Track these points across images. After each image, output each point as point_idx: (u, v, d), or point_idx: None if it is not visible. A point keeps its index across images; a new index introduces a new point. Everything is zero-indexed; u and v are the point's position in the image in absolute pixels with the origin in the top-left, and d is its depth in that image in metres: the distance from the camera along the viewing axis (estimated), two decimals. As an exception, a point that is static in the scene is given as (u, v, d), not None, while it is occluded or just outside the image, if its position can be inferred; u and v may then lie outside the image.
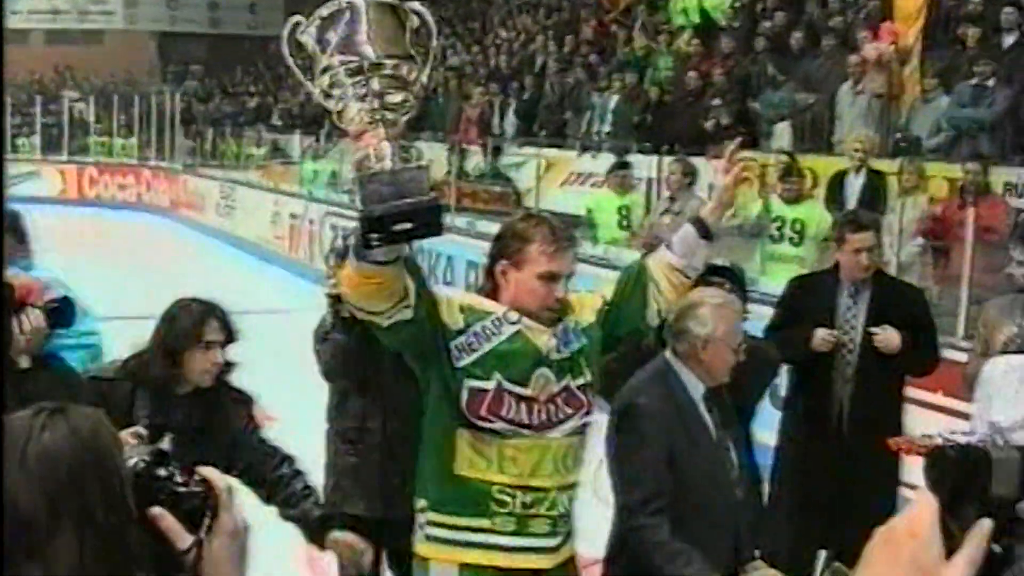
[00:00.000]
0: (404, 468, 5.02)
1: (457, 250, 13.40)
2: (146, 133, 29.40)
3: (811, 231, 9.98)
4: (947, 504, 1.53)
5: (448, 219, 13.96)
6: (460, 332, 3.76)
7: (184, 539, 1.91)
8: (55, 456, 1.87)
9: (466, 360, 3.75)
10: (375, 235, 3.23)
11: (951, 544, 1.50)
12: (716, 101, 14.65)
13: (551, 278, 3.78)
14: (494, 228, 13.37)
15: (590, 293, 4.11)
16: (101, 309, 5.67)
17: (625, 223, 12.10)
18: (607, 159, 15.10)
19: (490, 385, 3.76)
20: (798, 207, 10.13)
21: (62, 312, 4.18)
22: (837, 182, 10.98)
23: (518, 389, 3.78)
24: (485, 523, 3.80)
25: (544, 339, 3.82)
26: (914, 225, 10.19)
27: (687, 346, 4.21)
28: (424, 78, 3.38)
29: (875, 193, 10.74)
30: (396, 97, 3.29)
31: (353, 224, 11.59)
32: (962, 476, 1.56)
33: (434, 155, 18.04)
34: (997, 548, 1.51)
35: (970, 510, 1.53)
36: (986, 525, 1.51)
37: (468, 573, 3.82)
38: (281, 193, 20.58)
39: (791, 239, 10.06)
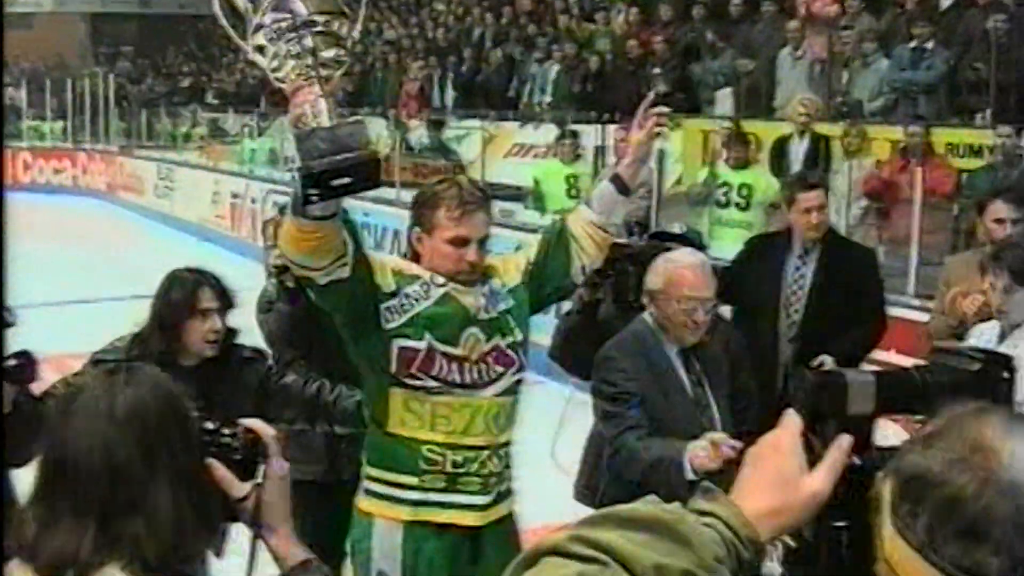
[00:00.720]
0: (345, 435, 5.15)
1: (404, 225, 13.34)
2: (80, 116, 29.06)
3: (758, 196, 10.05)
4: (809, 423, 1.67)
5: (394, 193, 13.93)
6: (391, 295, 3.80)
7: (239, 487, 1.98)
8: (145, 408, 1.92)
9: (396, 322, 3.79)
10: (314, 191, 3.22)
11: (813, 459, 1.65)
12: (656, 70, 14.64)
13: (460, 242, 3.82)
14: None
15: (513, 254, 4.22)
16: (41, 294, 5.60)
17: (574, 192, 12.14)
18: (549, 130, 15.13)
19: (421, 345, 3.80)
20: (744, 172, 10.19)
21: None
22: (781, 147, 11.03)
23: (448, 349, 3.82)
24: (414, 480, 3.85)
25: (471, 300, 3.87)
26: (859, 187, 10.26)
27: (663, 307, 4.33)
28: (356, 33, 3.37)
29: (819, 157, 10.80)
30: (329, 52, 3.26)
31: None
32: (821, 397, 1.68)
33: (376, 130, 18.00)
34: (857, 461, 1.65)
35: (830, 428, 1.66)
36: (845, 440, 1.65)
37: (412, 533, 3.87)
38: (221, 172, 20.42)
39: (738, 204, 10.13)
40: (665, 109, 4.07)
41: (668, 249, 4.72)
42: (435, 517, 3.87)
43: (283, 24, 3.22)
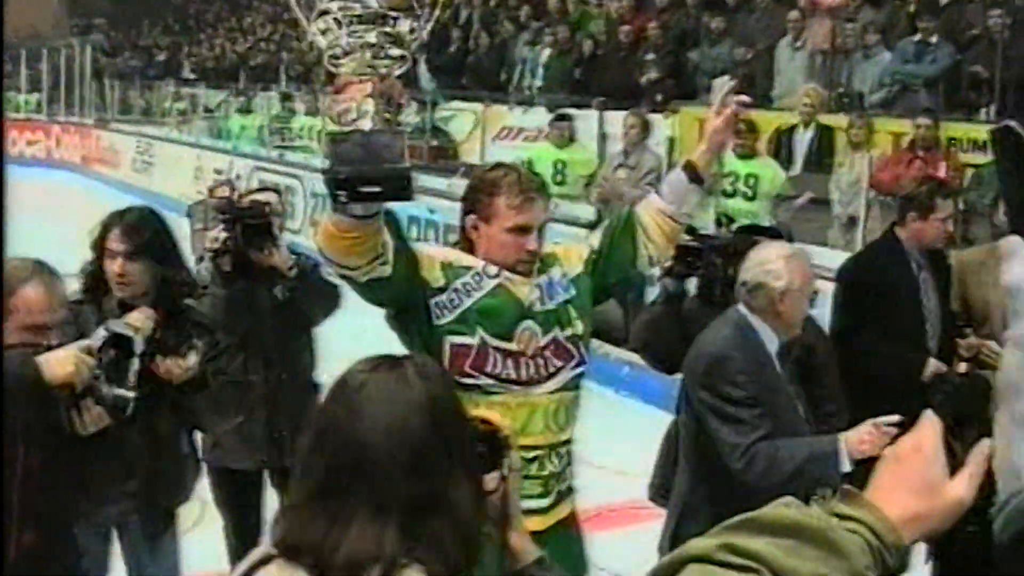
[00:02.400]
0: (287, 422, 5.24)
1: (396, 205, 13.25)
2: (55, 89, 28.76)
3: (764, 186, 10.03)
4: (950, 426, 1.62)
5: (388, 175, 13.82)
6: (440, 290, 3.66)
7: (489, 480, 1.98)
8: (443, 400, 1.89)
9: (447, 318, 3.66)
10: (341, 193, 3.12)
11: (954, 463, 1.59)
12: (650, 55, 14.60)
13: (520, 231, 3.69)
14: (434, 183, 13.38)
15: (576, 243, 4.14)
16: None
17: (559, 177, 12.11)
18: (539, 113, 15.08)
19: (473, 340, 3.67)
20: (751, 162, 10.17)
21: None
22: (785, 136, 11.03)
23: (502, 344, 3.68)
24: None
25: (526, 291, 3.73)
26: (864, 179, 10.28)
27: (764, 300, 4.21)
28: (424, 35, 3.18)
29: (824, 148, 10.82)
30: (393, 51, 3.11)
31: (279, 179, 11.33)
32: (964, 400, 1.69)
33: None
34: None
35: (972, 432, 1.63)
36: (986, 445, 1.60)
37: None
38: (204, 148, 20.22)
39: (744, 194, 10.10)
40: (745, 99, 4.02)
41: (756, 242, 4.65)
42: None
43: (351, 14, 3.08)
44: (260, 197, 5.63)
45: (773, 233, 5.16)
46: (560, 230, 10.80)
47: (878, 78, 12.04)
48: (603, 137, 13.31)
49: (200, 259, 5.49)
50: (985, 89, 11.36)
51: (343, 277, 3.56)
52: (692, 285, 5.14)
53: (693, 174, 3.90)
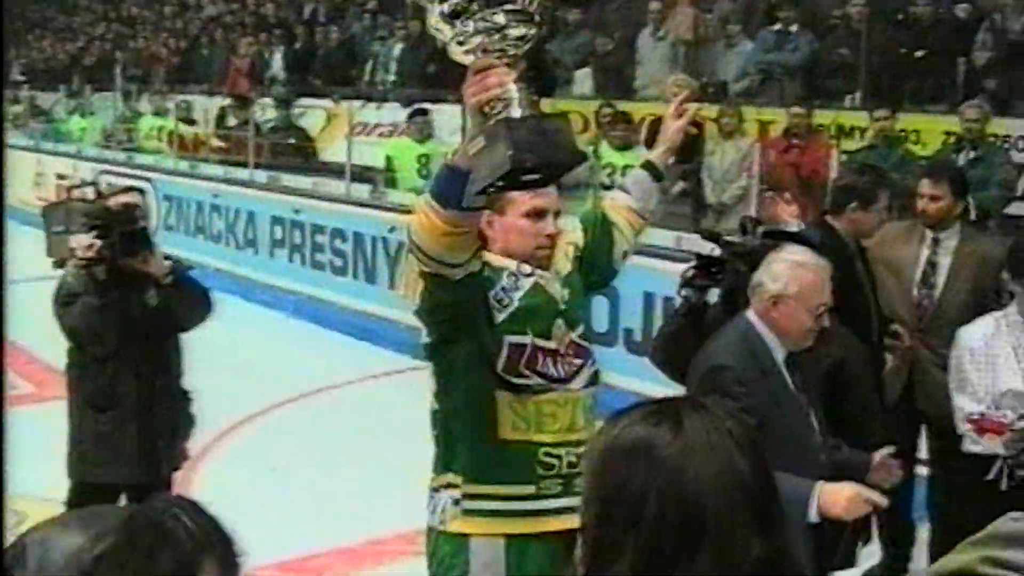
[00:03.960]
0: (160, 432, 5.18)
1: (260, 206, 12.98)
2: None
3: (640, 177, 9.94)
4: None
5: (247, 174, 13.51)
6: (492, 288, 3.61)
7: None
8: (755, 439, 1.74)
9: (501, 316, 3.60)
10: (499, 183, 2.93)
11: None
12: (506, 48, 14.46)
13: (537, 215, 3.67)
14: (296, 182, 13.09)
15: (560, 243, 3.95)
16: None
17: (425, 172, 12.00)
18: (392, 108, 14.89)
19: (527, 340, 3.62)
20: (628, 153, 10.12)
21: None
22: (656, 127, 10.97)
23: (545, 343, 3.65)
24: (531, 489, 3.63)
25: (557, 288, 3.73)
26: (738, 167, 10.31)
27: (760, 302, 4.06)
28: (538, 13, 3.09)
29: (694, 137, 10.80)
30: (519, 31, 2.94)
31: (127, 183, 10.87)
32: None
33: (208, 108, 17.46)
34: None
35: None
36: None
37: (515, 544, 3.64)
38: (45, 152, 19.49)
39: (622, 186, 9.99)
40: (696, 105, 4.09)
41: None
42: (550, 525, 3.62)
43: None
44: (125, 199, 5.47)
45: (801, 238, 4.91)
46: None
47: (741, 67, 12.13)
48: (464, 131, 13.14)
49: (60, 264, 5.25)
50: (848, 76, 11.52)
51: (435, 277, 3.32)
52: (715, 295, 4.93)
53: (655, 172, 4.05)
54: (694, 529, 1.57)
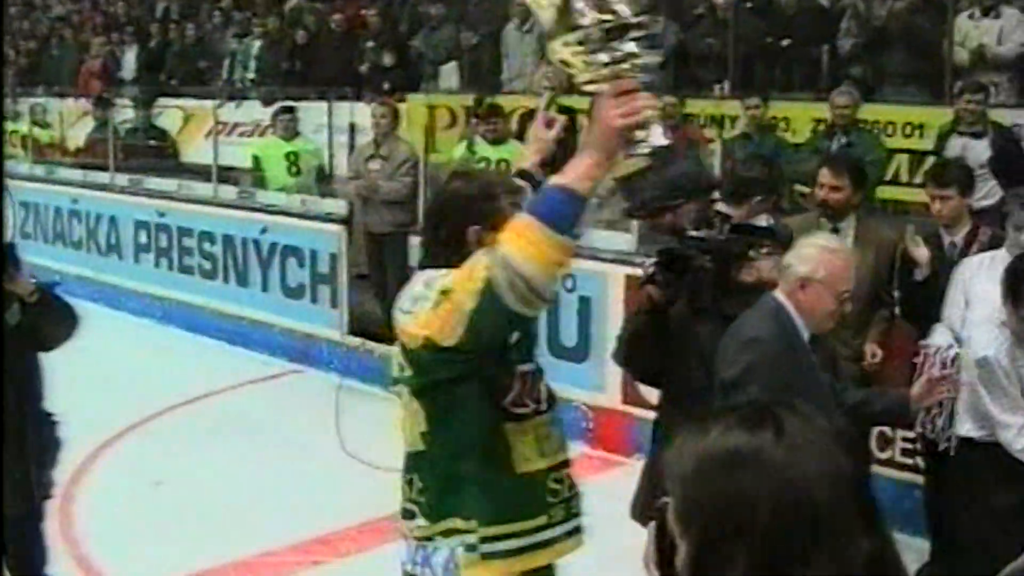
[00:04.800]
0: (30, 460, 4.85)
1: (121, 210, 12.60)
2: None
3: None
4: None
5: (107, 178, 13.12)
6: None
7: None
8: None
9: (512, 342, 3.40)
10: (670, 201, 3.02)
11: None
12: (370, 43, 14.33)
13: None
14: (159, 184, 12.71)
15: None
16: None
17: (294, 169, 11.82)
18: (253, 107, 14.61)
19: (531, 367, 3.52)
20: (502, 147, 10.03)
21: None
22: (529, 120, 10.93)
23: (530, 366, 3.55)
24: (543, 519, 3.49)
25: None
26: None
27: (787, 284, 4.17)
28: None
29: (565, 129, 10.76)
30: (651, 58, 2.89)
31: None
32: None
33: (62, 111, 16.94)
34: None
35: None
36: None
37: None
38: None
39: (497, 180, 9.95)
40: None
41: (753, 243, 4.53)
42: (561, 551, 3.55)
43: (607, 26, 2.82)
44: None
45: (770, 232, 4.85)
46: (310, 226, 10.49)
47: (608, 58, 12.10)
48: (329, 128, 13.04)
49: None
50: (717, 65, 11.60)
51: (525, 307, 3.01)
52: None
53: (532, 181, 3.88)
54: (808, 531, 1.53)
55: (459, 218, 3.42)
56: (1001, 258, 5.20)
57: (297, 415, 8.95)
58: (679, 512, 1.62)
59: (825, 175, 6.08)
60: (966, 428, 5.16)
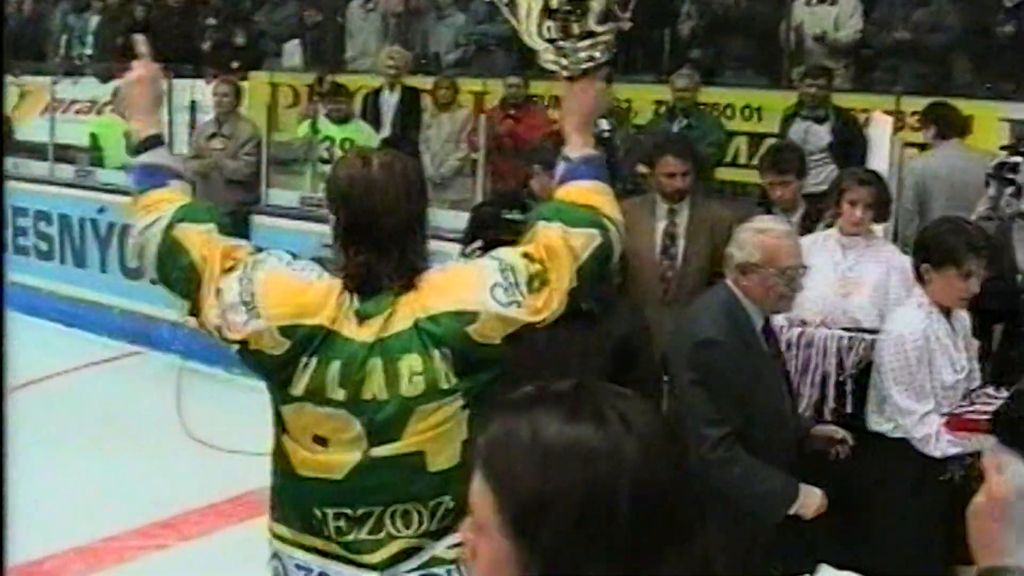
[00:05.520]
0: None
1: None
2: None
3: (359, 150, 9.87)
4: None
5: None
6: None
7: None
8: None
9: None
10: None
11: None
12: (211, 20, 14.11)
13: None
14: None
15: None
16: None
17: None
18: (90, 84, 14.28)
19: None
20: (346, 126, 10.00)
21: None
22: (371, 99, 10.93)
23: None
24: None
25: None
26: (456, 138, 10.34)
27: (730, 273, 4.15)
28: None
29: (410, 110, 10.79)
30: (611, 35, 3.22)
31: None
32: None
33: None
34: None
35: None
36: None
37: None
38: None
39: (340, 159, 9.91)
40: None
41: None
42: None
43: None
44: None
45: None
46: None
47: (453, 39, 12.13)
48: (193, 106, 12.80)
49: None
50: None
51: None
52: None
53: None
54: (662, 526, 1.45)
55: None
56: (834, 236, 5.36)
57: (138, 398, 8.83)
58: (512, 513, 1.48)
59: (671, 163, 6.14)
60: (873, 421, 4.83)
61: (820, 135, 8.82)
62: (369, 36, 12.65)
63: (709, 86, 10.01)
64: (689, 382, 4.05)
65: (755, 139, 9.85)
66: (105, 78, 13.61)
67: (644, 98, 10.44)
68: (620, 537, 1.42)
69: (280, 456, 3.12)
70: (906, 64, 9.98)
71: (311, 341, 2.96)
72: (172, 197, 3.19)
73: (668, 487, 1.47)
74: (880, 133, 8.21)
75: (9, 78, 15.47)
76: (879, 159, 7.64)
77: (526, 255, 3.03)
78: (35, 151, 12.86)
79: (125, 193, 10.66)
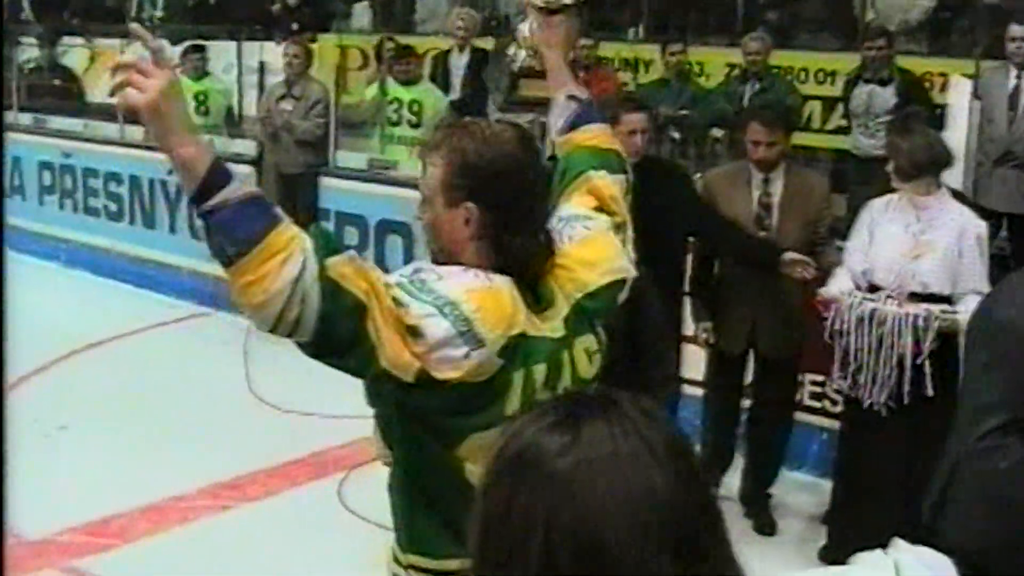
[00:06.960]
0: None
1: (25, 151, 12.31)
2: None
3: (428, 113, 9.81)
4: None
5: (12, 117, 12.80)
6: None
7: None
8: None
9: None
10: None
11: None
12: (282, -17, 14.10)
13: None
14: (63, 124, 12.39)
15: None
16: None
17: (203, 109, 11.58)
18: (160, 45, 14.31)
19: None
20: (414, 89, 9.92)
21: None
22: (441, 61, 10.86)
23: None
24: None
25: None
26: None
27: None
28: None
29: (479, 72, 10.71)
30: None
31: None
32: None
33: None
34: None
35: None
36: None
37: None
38: None
39: (409, 121, 9.86)
40: None
41: None
42: None
43: None
44: None
45: None
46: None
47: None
48: (240, 68, 12.81)
49: None
50: (632, 9, 11.57)
51: None
52: None
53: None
54: (591, 561, 1.26)
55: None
56: (907, 198, 5.28)
57: (205, 358, 8.85)
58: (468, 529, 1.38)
59: (758, 131, 5.93)
60: None
61: (884, 98, 8.63)
62: (438, -1, 12.59)
63: (782, 49, 9.84)
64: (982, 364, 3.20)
65: (828, 103, 9.69)
66: (176, 40, 13.66)
67: (716, 61, 10.30)
68: (534, 564, 1.30)
69: (452, 488, 2.60)
70: (983, 28, 9.77)
71: (516, 353, 2.61)
72: (293, 232, 2.39)
73: (606, 515, 1.29)
74: (959, 98, 8.05)
75: (81, 40, 15.59)
76: (958, 124, 7.49)
77: (603, 209, 2.94)
78: (106, 113, 12.92)
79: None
